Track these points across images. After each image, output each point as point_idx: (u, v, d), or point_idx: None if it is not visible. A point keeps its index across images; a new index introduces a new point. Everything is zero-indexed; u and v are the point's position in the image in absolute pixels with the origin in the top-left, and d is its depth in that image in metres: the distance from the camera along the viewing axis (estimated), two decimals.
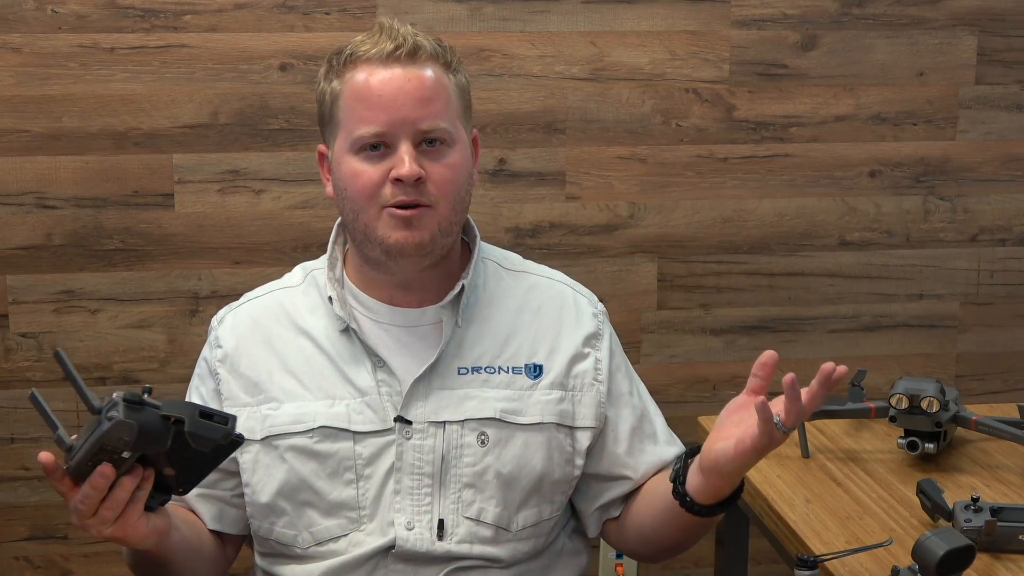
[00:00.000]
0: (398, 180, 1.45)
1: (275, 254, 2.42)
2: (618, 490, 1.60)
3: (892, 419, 1.85)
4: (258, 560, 1.59)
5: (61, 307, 2.39)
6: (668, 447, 1.62)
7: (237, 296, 1.67)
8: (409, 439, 1.50)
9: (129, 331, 2.42)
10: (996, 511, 1.58)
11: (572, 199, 2.49)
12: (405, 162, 1.45)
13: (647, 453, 1.60)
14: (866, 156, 2.56)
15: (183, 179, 2.38)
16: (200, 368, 1.62)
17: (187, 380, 2.39)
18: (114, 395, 1.24)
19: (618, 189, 2.50)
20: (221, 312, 1.64)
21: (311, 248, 2.42)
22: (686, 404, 2.57)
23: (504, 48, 2.42)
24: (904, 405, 1.84)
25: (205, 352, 1.62)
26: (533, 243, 2.48)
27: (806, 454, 1.91)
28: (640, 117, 2.48)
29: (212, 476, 1.54)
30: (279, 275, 1.66)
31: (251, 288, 1.67)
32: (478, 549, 1.51)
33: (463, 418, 1.51)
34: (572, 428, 1.56)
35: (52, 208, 2.36)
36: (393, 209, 1.47)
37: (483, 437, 1.51)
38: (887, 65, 2.53)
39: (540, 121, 2.45)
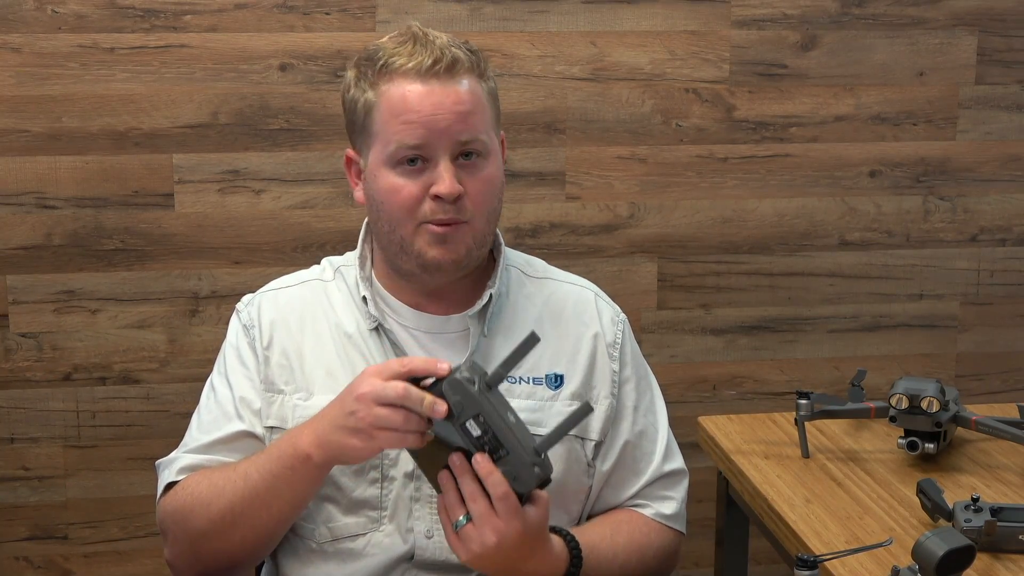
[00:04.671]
0: (438, 197, 1.45)
1: (275, 254, 2.42)
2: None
3: (892, 419, 1.85)
4: (272, 562, 1.58)
5: (61, 307, 2.39)
6: (663, 464, 1.61)
7: (237, 296, 1.66)
8: None
9: (129, 331, 2.42)
10: (996, 511, 1.58)
11: (572, 199, 2.49)
12: (446, 180, 1.44)
13: (622, 485, 1.59)
14: (866, 156, 2.56)
15: (183, 179, 2.38)
16: (242, 354, 1.56)
17: (187, 380, 2.42)
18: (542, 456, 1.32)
19: (618, 189, 2.50)
20: (248, 297, 1.60)
21: (311, 248, 2.42)
22: (686, 404, 2.58)
23: (504, 48, 2.42)
24: (904, 405, 1.84)
25: (239, 338, 1.57)
26: (533, 243, 2.48)
27: (806, 454, 1.91)
28: (640, 117, 2.48)
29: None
30: (279, 275, 1.65)
31: (250, 288, 1.66)
32: None
33: None
34: (584, 439, 1.56)
35: (52, 208, 2.36)
36: (431, 226, 1.46)
37: None
38: (887, 65, 2.53)
39: (540, 121, 2.45)
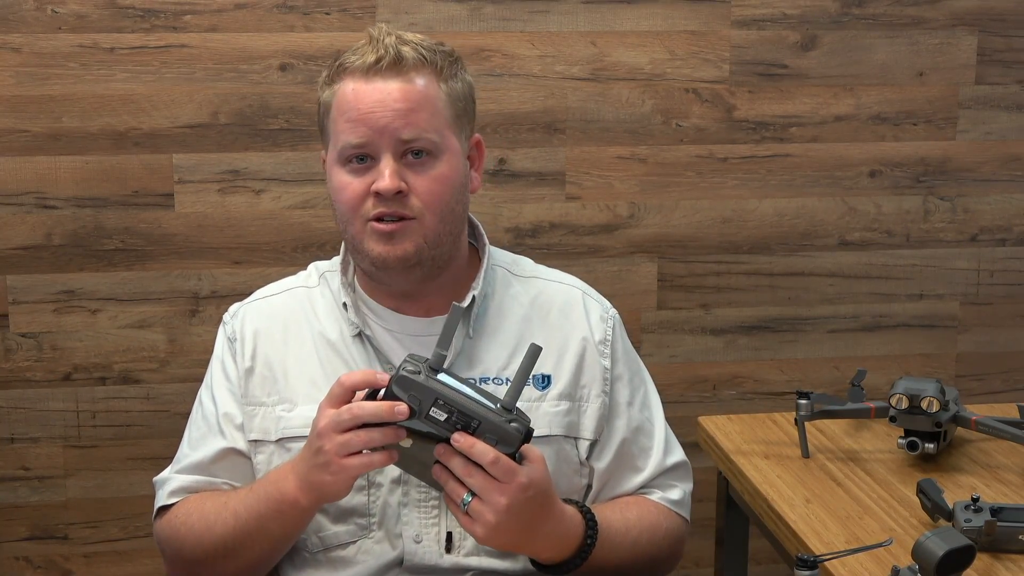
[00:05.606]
0: (378, 193, 1.45)
1: (275, 254, 2.43)
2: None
3: (892, 419, 1.85)
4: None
5: (61, 307, 2.39)
6: (665, 458, 1.61)
7: (237, 296, 1.66)
8: None
9: (129, 331, 2.42)
10: (996, 511, 1.58)
11: (572, 199, 2.49)
12: (385, 176, 1.44)
13: (623, 482, 1.59)
14: (866, 156, 2.56)
15: (183, 179, 2.38)
16: (226, 368, 1.58)
17: (187, 380, 2.42)
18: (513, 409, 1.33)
19: (618, 189, 2.50)
20: (234, 307, 1.62)
21: (311, 248, 2.42)
22: (686, 404, 2.58)
23: (504, 48, 2.42)
24: (904, 405, 1.84)
25: (223, 350, 1.59)
26: (533, 243, 2.48)
27: (806, 454, 1.91)
28: (640, 117, 2.48)
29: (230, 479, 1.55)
30: (279, 275, 1.66)
31: (251, 288, 1.66)
32: (487, 562, 1.50)
33: None
34: (577, 439, 1.55)
35: (52, 208, 2.36)
36: (375, 223, 1.46)
37: None
38: (887, 65, 2.53)
39: (540, 121, 2.45)
